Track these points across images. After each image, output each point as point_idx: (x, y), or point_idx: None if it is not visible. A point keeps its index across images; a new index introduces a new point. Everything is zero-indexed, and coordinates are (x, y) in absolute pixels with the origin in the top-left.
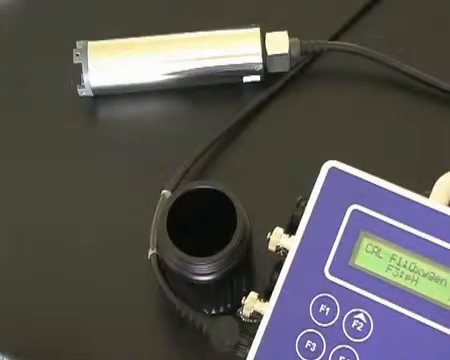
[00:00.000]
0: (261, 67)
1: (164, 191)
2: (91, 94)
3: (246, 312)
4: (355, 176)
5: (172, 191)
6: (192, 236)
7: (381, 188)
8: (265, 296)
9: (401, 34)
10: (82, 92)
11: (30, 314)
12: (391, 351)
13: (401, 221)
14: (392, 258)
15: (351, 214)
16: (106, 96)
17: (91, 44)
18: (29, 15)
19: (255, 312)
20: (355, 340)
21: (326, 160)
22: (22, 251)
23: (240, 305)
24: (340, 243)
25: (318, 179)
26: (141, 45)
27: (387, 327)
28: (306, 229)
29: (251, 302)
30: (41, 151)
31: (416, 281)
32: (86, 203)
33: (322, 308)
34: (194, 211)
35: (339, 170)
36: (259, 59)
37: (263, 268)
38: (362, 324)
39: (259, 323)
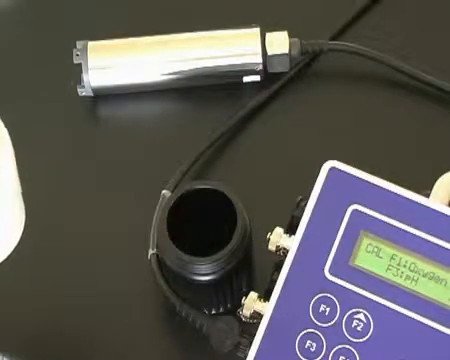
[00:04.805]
0: (261, 67)
1: (164, 191)
2: (91, 94)
3: (246, 312)
4: (355, 176)
5: (172, 191)
6: (192, 236)
7: (381, 188)
8: (265, 296)
9: (401, 34)
10: (82, 92)
11: (30, 314)
12: (391, 351)
13: (401, 221)
14: (392, 258)
15: (351, 214)
16: (106, 96)
17: (91, 44)
18: (29, 15)
19: (255, 312)
20: (355, 340)
21: (326, 160)
22: (22, 251)
23: (240, 305)
24: (340, 243)
25: (318, 179)
26: (141, 45)
27: (387, 327)
28: (306, 229)
29: (251, 302)
30: (41, 151)
31: (416, 281)
32: (86, 203)
33: (322, 308)
34: (194, 211)
35: (339, 170)
36: (259, 59)
37: (263, 268)
38: (362, 324)
39: (259, 323)
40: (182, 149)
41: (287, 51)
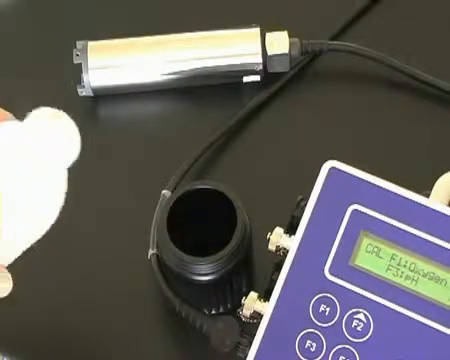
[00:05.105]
0: (261, 67)
1: (164, 191)
2: (91, 94)
3: (246, 312)
4: (355, 176)
5: (172, 191)
6: (192, 236)
7: (381, 188)
8: (265, 296)
9: (401, 34)
10: (82, 92)
11: (30, 314)
12: (391, 351)
13: (401, 221)
14: (392, 258)
15: (351, 214)
16: (106, 96)
17: (91, 44)
18: (29, 15)
19: (255, 312)
20: (355, 340)
21: (326, 160)
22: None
23: (240, 305)
24: (340, 243)
25: (318, 179)
26: (141, 45)
27: (387, 327)
28: (306, 229)
29: (251, 302)
30: None
31: (416, 281)
32: (86, 203)
33: (322, 308)
34: (194, 211)
35: (339, 170)
36: (259, 59)
37: (263, 268)
38: (362, 324)
39: (259, 323)
40: (182, 149)
41: (287, 51)
